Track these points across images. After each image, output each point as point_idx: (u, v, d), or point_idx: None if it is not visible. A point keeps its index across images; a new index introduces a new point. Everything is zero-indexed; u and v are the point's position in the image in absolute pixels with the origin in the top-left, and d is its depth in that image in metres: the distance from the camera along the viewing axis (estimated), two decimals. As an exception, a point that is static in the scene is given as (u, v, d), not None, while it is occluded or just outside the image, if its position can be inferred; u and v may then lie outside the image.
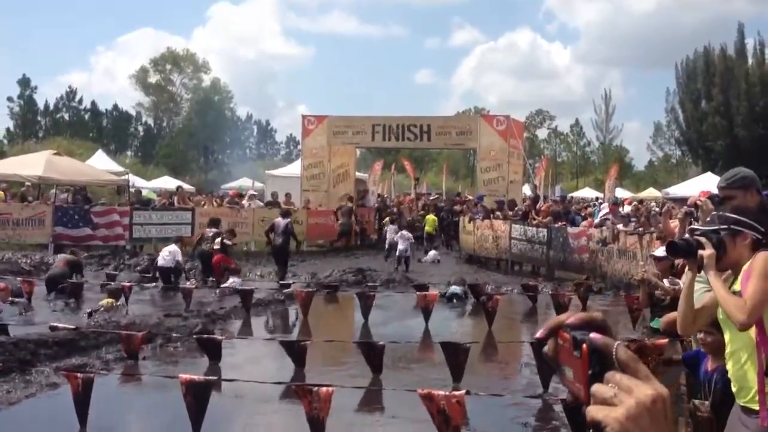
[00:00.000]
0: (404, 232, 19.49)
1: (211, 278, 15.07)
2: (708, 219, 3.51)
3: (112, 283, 13.21)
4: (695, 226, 3.55)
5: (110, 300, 12.10)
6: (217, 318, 11.19)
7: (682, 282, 5.96)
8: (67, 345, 8.26)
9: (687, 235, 3.51)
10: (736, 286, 3.17)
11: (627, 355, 1.05)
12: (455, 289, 14.01)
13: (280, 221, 16.35)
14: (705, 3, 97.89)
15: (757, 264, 3.10)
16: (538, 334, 1.13)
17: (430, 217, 24.22)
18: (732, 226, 3.23)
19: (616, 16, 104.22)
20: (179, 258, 14.96)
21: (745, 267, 3.19)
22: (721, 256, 3.18)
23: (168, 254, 14.81)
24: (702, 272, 3.26)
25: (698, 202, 4.42)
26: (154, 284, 14.46)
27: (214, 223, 16.57)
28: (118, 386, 7.92)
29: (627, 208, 19.25)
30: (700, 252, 3.17)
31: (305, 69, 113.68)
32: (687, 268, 3.39)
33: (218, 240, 15.43)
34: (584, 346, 1.06)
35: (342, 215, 22.76)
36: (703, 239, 3.21)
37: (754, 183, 4.13)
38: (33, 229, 18.38)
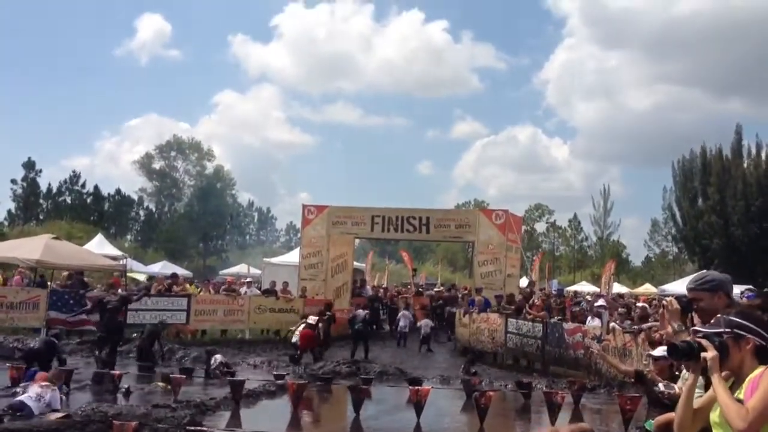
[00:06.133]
0: (405, 312, 23.02)
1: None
2: (713, 321, 3.49)
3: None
4: (697, 327, 3.54)
5: (164, 384, 12.63)
6: (206, 409, 11.03)
7: (678, 387, 5.94)
8: (51, 435, 8.14)
9: (689, 337, 3.47)
10: (740, 395, 3.11)
11: None
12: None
13: (360, 312, 19.77)
14: (702, 104, 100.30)
15: (766, 380, 3.04)
16: None
17: None
18: (736, 330, 3.21)
19: (615, 114, 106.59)
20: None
21: (751, 376, 3.13)
22: (724, 360, 3.15)
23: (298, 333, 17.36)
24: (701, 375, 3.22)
25: (664, 302, 4.47)
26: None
27: (328, 307, 19.60)
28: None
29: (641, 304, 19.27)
30: (703, 354, 3.14)
31: (308, 157, 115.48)
32: (690, 370, 3.33)
33: (314, 318, 17.97)
34: None
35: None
36: (704, 342, 3.18)
37: (722, 286, 4.18)
38: (27, 312, 18.31)
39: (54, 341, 13.80)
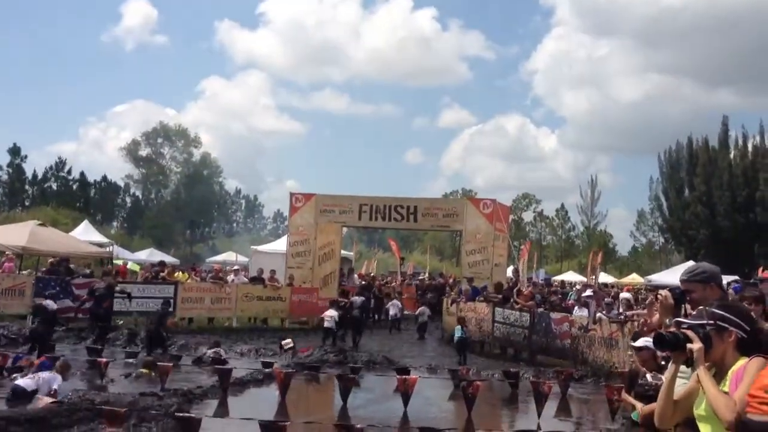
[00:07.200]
0: (395, 301, 23.91)
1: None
2: (695, 313, 3.51)
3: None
4: (681, 319, 3.57)
5: (147, 370, 12.67)
6: (193, 397, 11.00)
7: (665, 377, 5.97)
8: (39, 422, 8.09)
9: (674, 328, 3.50)
10: (724, 387, 3.13)
11: None
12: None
13: (357, 299, 20.16)
14: (692, 94, 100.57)
15: (751, 369, 3.07)
16: None
17: None
18: (718, 323, 3.23)
19: (604, 104, 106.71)
20: (336, 319, 18.34)
21: (734, 368, 3.16)
22: (707, 352, 3.16)
23: (330, 318, 18.21)
24: (684, 366, 3.25)
25: (659, 295, 4.49)
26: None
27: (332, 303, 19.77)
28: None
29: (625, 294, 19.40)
30: (689, 346, 3.15)
31: (295, 145, 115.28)
32: (671, 360, 3.38)
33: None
34: None
35: None
36: (690, 333, 3.20)
37: (713, 278, 4.22)
38: (13, 299, 18.20)
39: (44, 306, 13.86)
